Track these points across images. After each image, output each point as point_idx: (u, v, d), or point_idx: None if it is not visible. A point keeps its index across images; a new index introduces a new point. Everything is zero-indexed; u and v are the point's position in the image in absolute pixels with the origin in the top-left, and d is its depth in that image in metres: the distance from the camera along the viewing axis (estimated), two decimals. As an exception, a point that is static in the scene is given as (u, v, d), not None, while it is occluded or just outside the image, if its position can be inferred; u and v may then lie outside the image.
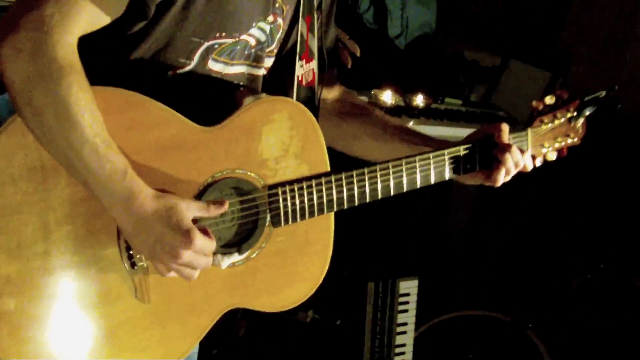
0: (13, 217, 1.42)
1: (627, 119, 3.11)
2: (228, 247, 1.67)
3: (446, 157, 1.82)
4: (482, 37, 4.54)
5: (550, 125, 1.90)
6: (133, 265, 1.55)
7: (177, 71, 1.59)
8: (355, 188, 1.73)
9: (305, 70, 1.83)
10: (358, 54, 3.53)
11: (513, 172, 1.85)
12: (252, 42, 1.68)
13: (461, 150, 1.83)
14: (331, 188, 1.71)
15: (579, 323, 3.68)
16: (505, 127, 1.84)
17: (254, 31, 1.66)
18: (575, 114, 1.90)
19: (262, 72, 1.77)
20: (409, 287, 3.29)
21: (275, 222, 1.69)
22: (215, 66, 1.64)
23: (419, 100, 3.75)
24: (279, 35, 1.76)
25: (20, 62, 1.31)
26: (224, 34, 1.59)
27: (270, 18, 1.69)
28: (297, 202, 1.68)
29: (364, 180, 1.74)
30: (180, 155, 1.54)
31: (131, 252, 1.54)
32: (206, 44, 1.59)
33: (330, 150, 1.77)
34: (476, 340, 3.55)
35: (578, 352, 3.61)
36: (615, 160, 3.75)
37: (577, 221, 3.94)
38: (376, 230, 3.78)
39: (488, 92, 4.41)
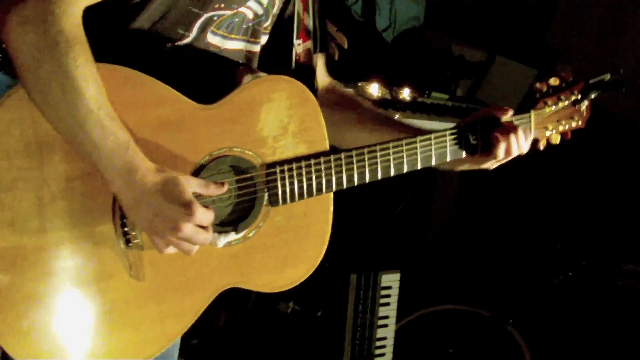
0: (7, 193, 1.42)
1: (607, 117, 3.12)
2: (224, 225, 1.65)
3: (448, 137, 1.80)
4: (469, 32, 4.54)
5: (554, 107, 1.86)
6: (128, 242, 1.53)
7: (176, 43, 1.58)
8: (355, 168, 1.71)
9: (303, 49, 1.83)
10: (346, 46, 3.50)
11: (514, 154, 1.82)
12: (250, 15, 1.68)
13: (462, 130, 1.81)
14: (330, 168, 1.69)
15: (560, 320, 3.70)
16: (511, 111, 1.82)
17: (251, 3, 1.66)
18: (579, 96, 1.87)
19: (258, 48, 1.76)
20: (391, 280, 3.30)
21: (273, 202, 1.67)
22: (213, 39, 1.63)
23: (406, 93, 3.74)
24: (274, 11, 1.76)
25: (28, 33, 1.32)
26: (222, 5, 1.59)
27: None
28: (296, 181, 1.67)
29: (363, 160, 1.72)
30: (178, 133, 1.54)
31: (126, 229, 1.53)
32: (205, 15, 1.58)
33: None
34: (457, 335, 3.56)
35: (558, 348, 3.63)
36: (599, 160, 3.76)
37: (560, 219, 3.96)
38: (359, 223, 3.77)
39: (473, 87, 4.40)
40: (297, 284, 1.79)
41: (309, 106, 1.69)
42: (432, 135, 1.78)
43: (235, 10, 1.62)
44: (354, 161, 1.71)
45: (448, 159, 1.82)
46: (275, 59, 1.82)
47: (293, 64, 1.80)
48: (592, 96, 1.88)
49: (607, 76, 1.84)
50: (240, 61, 1.71)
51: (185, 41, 1.59)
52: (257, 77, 1.62)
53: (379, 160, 1.73)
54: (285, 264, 1.76)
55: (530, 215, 4.06)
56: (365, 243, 3.73)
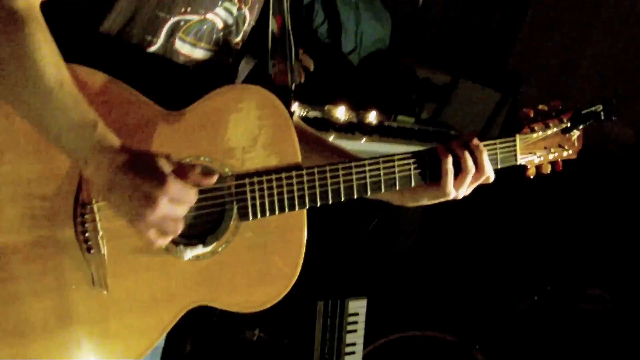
0: None
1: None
2: (191, 237, 1.58)
3: (411, 162, 1.73)
4: (434, 56, 4.57)
5: (541, 133, 1.83)
6: (89, 249, 1.47)
7: (146, 49, 1.55)
8: (329, 184, 1.65)
9: (277, 70, 1.78)
10: (312, 69, 3.48)
11: (470, 169, 1.74)
12: (219, 24, 1.64)
13: (416, 154, 1.74)
14: (302, 183, 1.63)
15: (526, 344, 3.70)
16: (476, 136, 1.77)
17: (219, 10, 1.62)
18: (569, 124, 1.85)
19: (229, 61, 1.73)
20: (358, 306, 3.28)
21: (243, 215, 1.60)
22: (182, 47, 1.60)
23: (372, 117, 3.74)
24: (245, 27, 1.73)
25: None
26: (189, 9, 1.55)
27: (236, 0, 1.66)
28: (266, 195, 1.60)
29: (337, 177, 1.66)
30: (143, 139, 1.48)
31: (87, 235, 1.46)
32: (172, 20, 1.55)
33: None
34: (425, 361, 3.55)
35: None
36: (564, 183, 3.79)
37: (525, 243, 3.98)
38: (325, 249, 3.74)
39: (437, 110, 4.43)
40: (270, 305, 1.70)
41: (280, 118, 1.63)
42: (411, 153, 1.73)
43: (202, 17, 1.59)
44: (328, 177, 1.65)
45: (413, 184, 1.75)
46: (249, 78, 1.78)
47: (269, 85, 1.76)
48: (582, 126, 1.86)
49: (600, 107, 1.82)
50: (209, 70, 1.67)
51: (154, 48, 1.56)
52: (226, 86, 1.58)
53: (354, 176, 1.68)
54: (257, 283, 1.68)
55: (495, 240, 4.08)
56: (332, 269, 3.69)
